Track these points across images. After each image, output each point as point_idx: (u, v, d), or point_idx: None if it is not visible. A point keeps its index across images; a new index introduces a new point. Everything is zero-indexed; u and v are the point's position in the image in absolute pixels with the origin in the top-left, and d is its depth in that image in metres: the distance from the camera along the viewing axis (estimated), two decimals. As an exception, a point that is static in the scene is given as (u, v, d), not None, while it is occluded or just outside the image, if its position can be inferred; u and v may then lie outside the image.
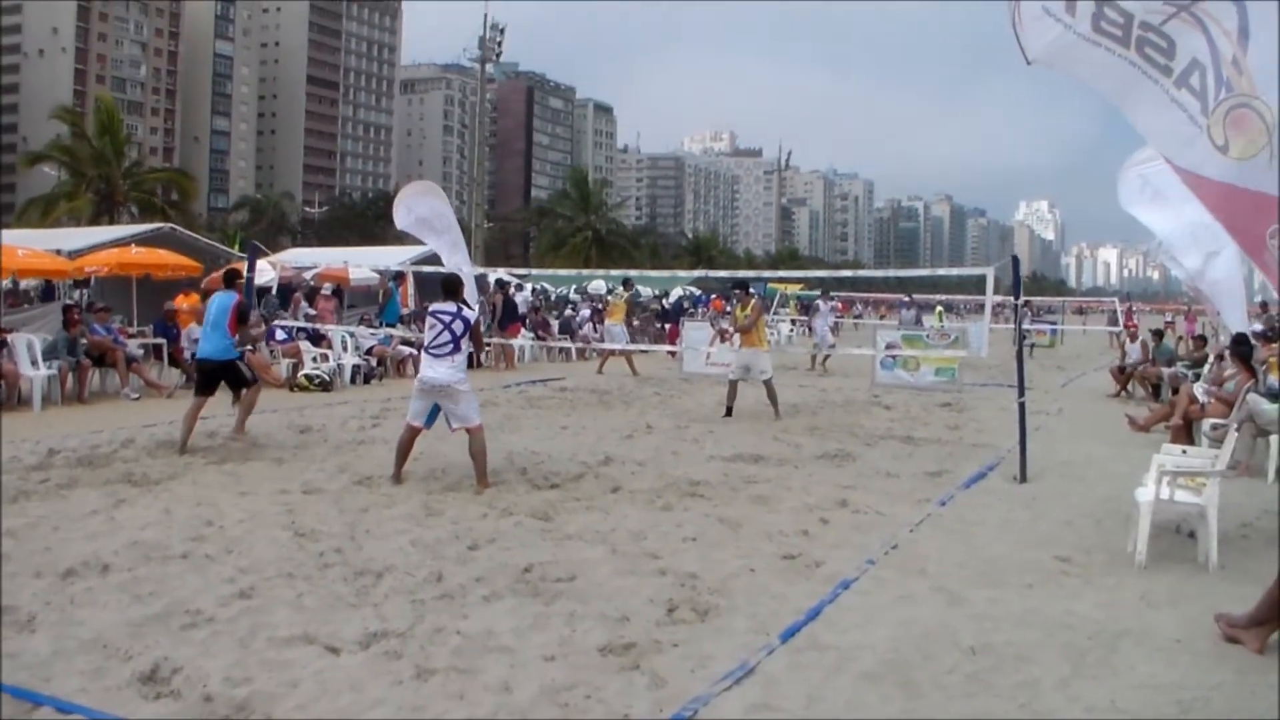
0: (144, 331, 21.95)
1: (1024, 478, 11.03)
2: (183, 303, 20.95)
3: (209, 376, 12.30)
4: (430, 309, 10.63)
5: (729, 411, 16.04)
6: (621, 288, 29.53)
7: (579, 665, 5.40)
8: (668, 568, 7.24)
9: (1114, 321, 43.55)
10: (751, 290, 17.19)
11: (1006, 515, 9.36)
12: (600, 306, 34.32)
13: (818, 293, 36.43)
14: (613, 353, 25.01)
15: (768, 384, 16.17)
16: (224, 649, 5.52)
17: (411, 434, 10.37)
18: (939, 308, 41.31)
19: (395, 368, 21.96)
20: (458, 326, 10.19)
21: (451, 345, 10.15)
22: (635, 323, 39.11)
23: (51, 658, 5.33)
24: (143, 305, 24.23)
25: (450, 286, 10.72)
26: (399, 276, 25.84)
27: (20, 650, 5.41)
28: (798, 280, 57.26)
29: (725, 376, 17.06)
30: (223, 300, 12.23)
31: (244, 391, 12.60)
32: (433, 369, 10.17)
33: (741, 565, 7.38)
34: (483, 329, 11.76)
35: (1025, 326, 14.55)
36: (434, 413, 10.31)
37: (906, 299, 31.53)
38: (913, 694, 5.16)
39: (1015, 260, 12.56)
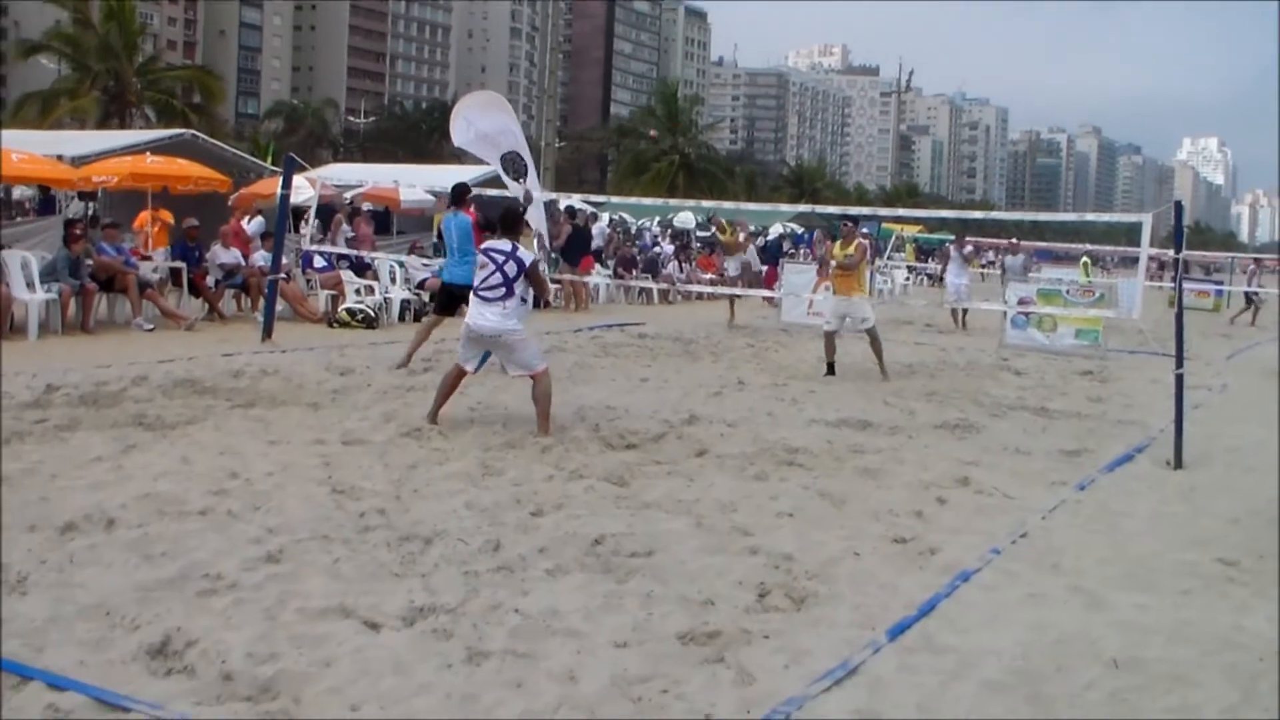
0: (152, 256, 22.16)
1: (1179, 463, 10.85)
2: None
3: (454, 299, 13.91)
4: (484, 246, 10.76)
5: (830, 369, 16.00)
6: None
7: (655, 654, 5.39)
8: (759, 546, 7.21)
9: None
10: (861, 226, 17.06)
11: (1158, 507, 9.21)
12: (690, 243, 34.18)
13: (945, 237, 35.13)
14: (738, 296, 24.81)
15: (871, 334, 16.06)
16: (247, 620, 5.52)
17: (458, 374, 10.72)
18: (1085, 259, 40.74)
19: (451, 304, 22.06)
20: (510, 268, 10.31)
21: (504, 289, 10.29)
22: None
23: (46, 625, 5.30)
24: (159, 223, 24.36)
25: (509, 221, 10.82)
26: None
27: (9, 616, 5.35)
28: (916, 221, 56.66)
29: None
30: (461, 223, 13.80)
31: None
32: (481, 315, 10.37)
33: (845, 548, 7.33)
34: (542, 267, 11.75)
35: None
36: (485, 357, 10.41)
37: (1010, 242, 29.92)
38: (1043, 709, 5.08)
39: (1178, 206, 12.31)
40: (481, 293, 10.37)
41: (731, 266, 25.46)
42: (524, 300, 10.57)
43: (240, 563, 6.33)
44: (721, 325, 22.73)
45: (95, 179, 23.40)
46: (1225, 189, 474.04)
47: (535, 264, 10.73)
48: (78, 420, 10.03)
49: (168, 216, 22.51)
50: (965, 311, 26.13)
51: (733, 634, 5.67)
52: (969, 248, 28.43)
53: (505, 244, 10.48)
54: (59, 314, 16.37)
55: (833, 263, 16.50)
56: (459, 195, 14.00)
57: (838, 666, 5.35)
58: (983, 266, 48.69)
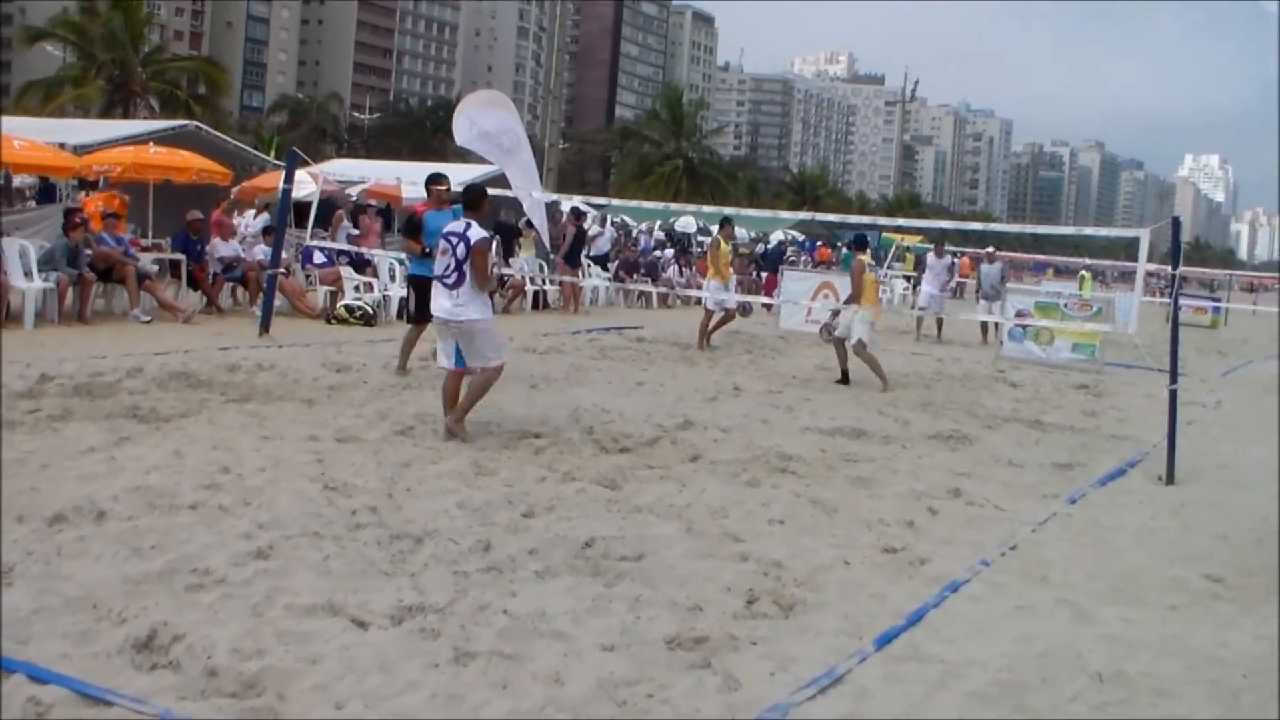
0: (160, 245, 22.14)
1: (1171, 479, 10.87)
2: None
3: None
4: (444, 230, 10.35)
5: (845, 377, 16.17)
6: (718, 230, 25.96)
7: (642, 658, 5.39)
8: (750, 552, 7.22)
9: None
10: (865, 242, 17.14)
11: (1148, 522, 9.23)
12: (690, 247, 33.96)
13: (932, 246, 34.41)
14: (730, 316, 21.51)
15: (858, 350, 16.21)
16: (235, 615, 5.52)
17: (453, 380, 10.32)
18: (1084, 273, 40.76)
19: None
20: (461, 250, 9.92)
21: (456, 273, 9.94)
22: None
23: (31, 616, 5.29)
24: (160, 214, 24.29)
25: (472, 199, 10.39)
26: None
27: (-8, 607, 5.35)
28: (917, 231, 56.70)
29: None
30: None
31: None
32: (440, 301, 10.06)
33: (835, 556, 7.34)
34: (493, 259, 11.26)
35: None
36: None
37: (988, 252, 28.97)
38: (1028, 721, 5.11)
39: (1176, 222, 12.35)
40: (440, 279, 10.05)
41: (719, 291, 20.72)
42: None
43: (229, 558, 6.32)
44: (721, 331, 22.61)
45: (96, 168, 23.44)
46: (1225, 206, 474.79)
47: (482, 245, 10.01)
48: (71, 411, 10.00)
49: (116, 205, 22.22)
50: (941, 321, 26.15)
51: (720, 639, 5.68)
52: (948, 258, 27.98)
53: (460, 224, 10.10)
54: (56, 303, 16.30)
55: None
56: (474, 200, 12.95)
57: (824, 674, 5.35)
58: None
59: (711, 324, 19.97)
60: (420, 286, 13.20)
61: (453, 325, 10.01)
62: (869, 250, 17.53)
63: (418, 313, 13.70)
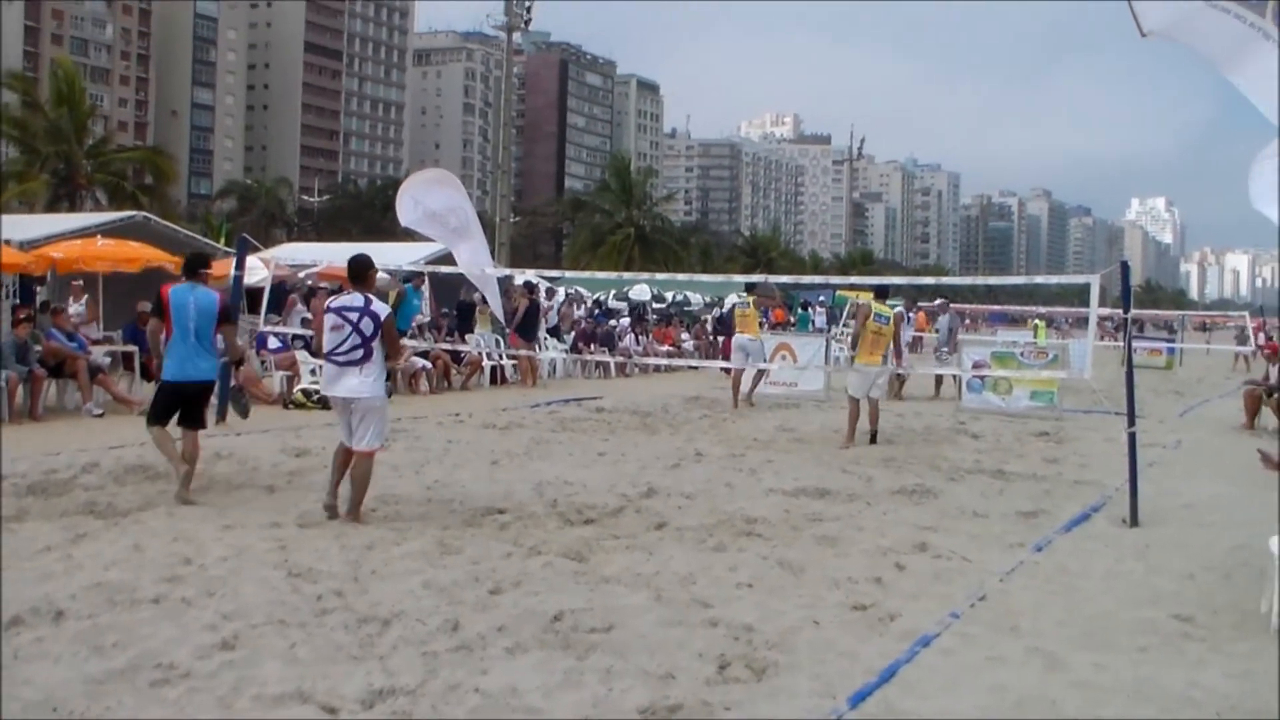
0: (111, 337, 22.02)
1: (1135, 521, 10.93)
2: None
3: (186, 400, 10.87)
4: (333, 305, 9.99)
5: (873, 437, 16.56)
6: (748, 293, 24.03)
7: (615, 731, 5.37)
8: (719, 618, 7.22)
9: (1244, 339, 43.14)
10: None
11: (1114, 565, 9.28)
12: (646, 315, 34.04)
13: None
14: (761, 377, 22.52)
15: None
16: (202, 709, 5.49)
17: (346, 453, 10.07)
18: (1037, 321, 41.02)
19: (408, 382, 22.06)
20: (367, 325, 9.70)
21: (362, 350, 9.74)
22: (687, 336, 39.13)
23: None
24: (110, 306, 24.19)
25: (358, 271, 10.08)
26: (413, 277, 25.79)
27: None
28: (870, 288, 56.84)
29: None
30: (203, 299, 10.81)
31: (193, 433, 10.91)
32: (340, 381, 9.81)
33: (804, 616, 7.35)
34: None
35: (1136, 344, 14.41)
36: None
37: (941, 303, 28.48)
38: (1005, 772, 5.12)
39: (1125, 266, 12.53)
40: (336, 358, 9.75)
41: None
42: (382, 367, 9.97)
43: (194, 650, 6.26)
44: (679, 398, 22.69)
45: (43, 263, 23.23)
46: (1174, 248, 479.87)
47: (390, 319, 9.95)
48: (25, 510, 9.89)
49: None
50: (902, 381, 24.93)
51: (693, 706, 5.68)
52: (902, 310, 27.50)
53: (357, 298, 9.82)
54: (6, 402, 16.13)
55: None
56: (193, 268, 11.13)
57: (798, 736, 5.35)
58: (937, 331, 48.84)
59: (742, 382, 21.48)
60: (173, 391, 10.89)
61: (359, 403, 9.80)
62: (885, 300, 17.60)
63: (157, 413, 10.91)
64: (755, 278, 40.23)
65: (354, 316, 9.73)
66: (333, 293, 26.34)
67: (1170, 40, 7.68)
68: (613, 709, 5.64)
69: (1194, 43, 7.51)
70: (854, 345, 16.60)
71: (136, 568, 8.04)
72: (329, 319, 9.84)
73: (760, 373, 21.90)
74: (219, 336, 11.00)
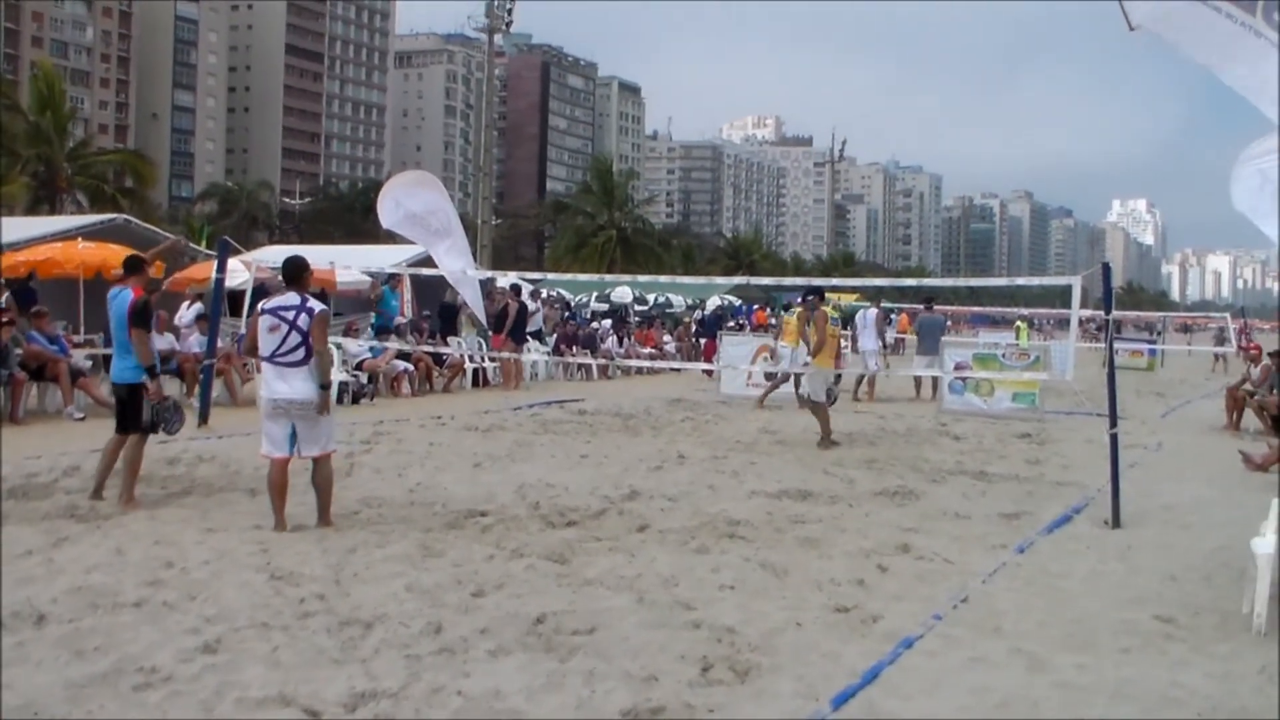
0: (92, 340, 21.92)
1: (1117, 523, 10.97)
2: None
3: (118, 403, 10.82)
4: (264, 306, 9.78)
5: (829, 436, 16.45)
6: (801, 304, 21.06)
7: (598, 733, 5.38)
8: (702, 620, 7.23)
9: (1223, 340, 43.25)
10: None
11: (1097, 566, 9.31)
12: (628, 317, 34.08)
13: (866, 303, 32.90)
14: (786, 379, 21.82)
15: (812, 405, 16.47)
16: (184, 713, 5.49)
17: (280, 469, 9.76)
18: (1020, 323, 41.12)
19: (390, 385, 22.02)
20: (304, 322, 9.50)
21: (304, 349, 9.50)
22: (669, 338, 39.12)
23: None
24: (91, 309, 24.06)
25: (293, 272, 9.89)
26: (393, 279, 25.78)
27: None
28: (852, 290, 57.17)
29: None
30: (120, 302, 10.61)
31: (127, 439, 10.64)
32: (284, 383, 9.53)
33: (787, 618, 7.36)
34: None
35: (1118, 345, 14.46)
36: (295, 435, 9.67)
37: (924, 306, 28.12)
38: (988, 773, 5.13)
39: (1106, 268, 12.57)
40: (278, 359, 9.48)
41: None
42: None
43: (176, 654, 6.26)
44: (662, 400, 22.68)
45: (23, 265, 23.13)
46: (1156, 249, 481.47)
47: (324, 314, 9.73)
48: (7, 514, 9.83)
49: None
50: (872, 381, 24.98)
51: (676, 709, 5.68)
52: (873, 311, 26.96)
53: (293, 298, 9.62)
54: (-14, 405, 15.97)
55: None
56: (133, 268, 11.14)
57: (781, 738, 5.36)
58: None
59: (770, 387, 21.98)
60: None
61: (299, 406, 9.53)
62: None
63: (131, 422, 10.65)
64: (738, 279, 40.26)
65: (290, 315, 9.52)
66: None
67: (1157, 35, 7.70)
68: (595, 711, 5.64)
69: (1181, 39, 7.54)
70: (816, 351, 16.51)
71: (118, 571, 8.02)
72: (264, 320, 9.60)
73: (776, 379, 21.98)
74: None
